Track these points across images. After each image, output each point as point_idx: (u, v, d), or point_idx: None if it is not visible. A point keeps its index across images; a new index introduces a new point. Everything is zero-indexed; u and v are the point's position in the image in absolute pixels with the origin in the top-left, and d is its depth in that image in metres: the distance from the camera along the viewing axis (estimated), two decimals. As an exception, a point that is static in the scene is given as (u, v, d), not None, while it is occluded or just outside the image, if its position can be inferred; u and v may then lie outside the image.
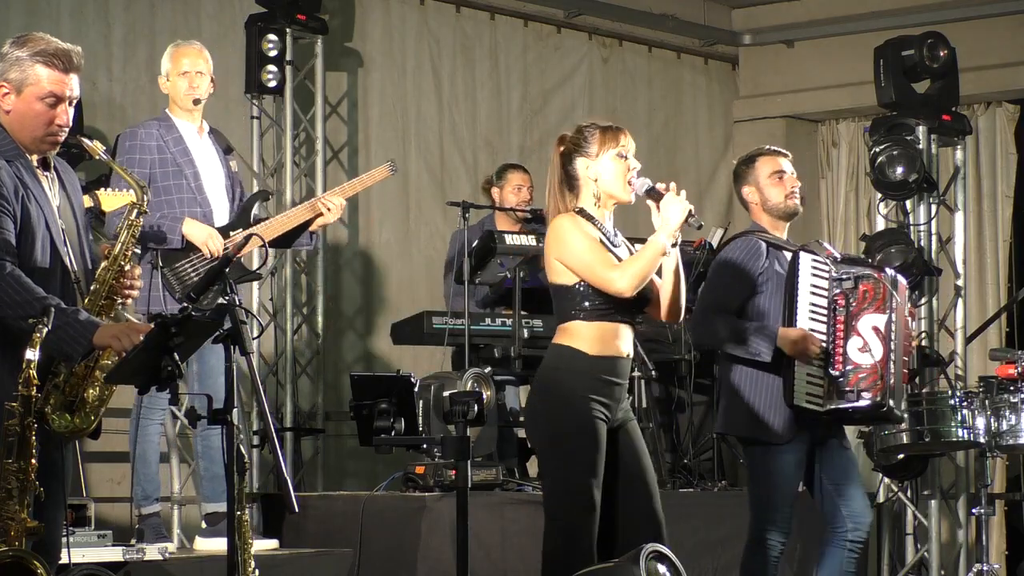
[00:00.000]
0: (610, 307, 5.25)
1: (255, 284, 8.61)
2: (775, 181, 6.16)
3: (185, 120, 6.89)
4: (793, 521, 6.06)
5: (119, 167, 4.76)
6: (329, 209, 7.00)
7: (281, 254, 8.88)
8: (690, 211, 5.28)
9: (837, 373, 5.96)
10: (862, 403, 5.98)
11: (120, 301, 4.51)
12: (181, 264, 6.71)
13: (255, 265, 7.41)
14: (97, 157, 4.67)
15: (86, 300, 4.47)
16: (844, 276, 6.02)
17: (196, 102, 6.88)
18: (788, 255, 6.06)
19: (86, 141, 4.69)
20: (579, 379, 5.23)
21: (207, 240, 6.70)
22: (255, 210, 6.99)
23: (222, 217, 6.90)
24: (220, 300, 6.75)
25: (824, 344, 5.94)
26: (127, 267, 4.52)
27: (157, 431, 6.89)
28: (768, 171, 6.18)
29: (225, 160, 7.03)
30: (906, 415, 7.36)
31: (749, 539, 6.09)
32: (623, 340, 5.31)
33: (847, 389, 5.97)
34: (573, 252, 5.24)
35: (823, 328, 5.98)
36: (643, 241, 5.38)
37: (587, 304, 5.24)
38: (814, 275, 6.02)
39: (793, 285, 5.99)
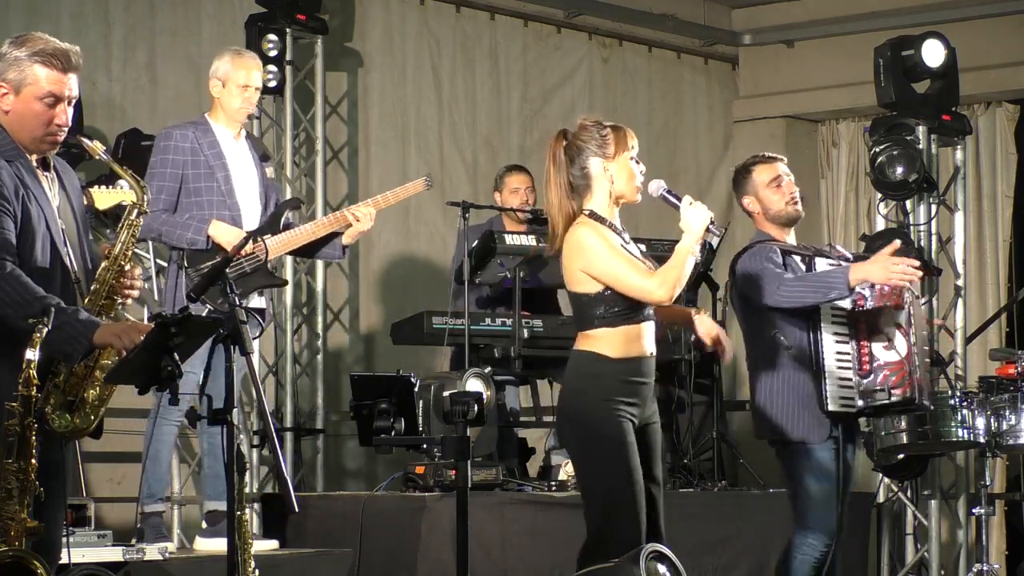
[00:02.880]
0: (633, 310, 5.27)
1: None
2: (774, 188, 6.16)
3: (223, 125, 6.90)
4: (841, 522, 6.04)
5: (118, 167, 4.76)
6: (358, 219, 6.98)
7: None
8: (711, 219, 5.32)
9: (865, 373, 5.96)
10: (894, 400, 5.99)
11: (120, 301, 4.51)
12: (206, 265, 6.71)
13: (286, 274, 7.42)
14: (97, 157, 4.67)
15: (86, 300, 4.47)
16: None
17: (250, 117, 6.92)
18: (798, 259, 6.06)
19: (86, 141, 4.69)
20: (604, 383, 5.24)
21: (233, 243, 6.70)
22: (286, 217, 7.00)
23: (252, 222, 6.91)
24: (256, 301, 6.82)
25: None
26: (127, 267, 4.52)
27: (173, 432, 6.89)
28: (766, 179, 6.16)
29: (260, 166, 7.04)
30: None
31: (795, 542, 6.03)
32: (646, 339, 5.32)
33: (877, 388, 5.97)
34: (602, 263, 5.24)
35: (845, 331, 5.99)
36: (642, 241, 5.40)
37: (612, 311, 5.26)
38: None
39: None
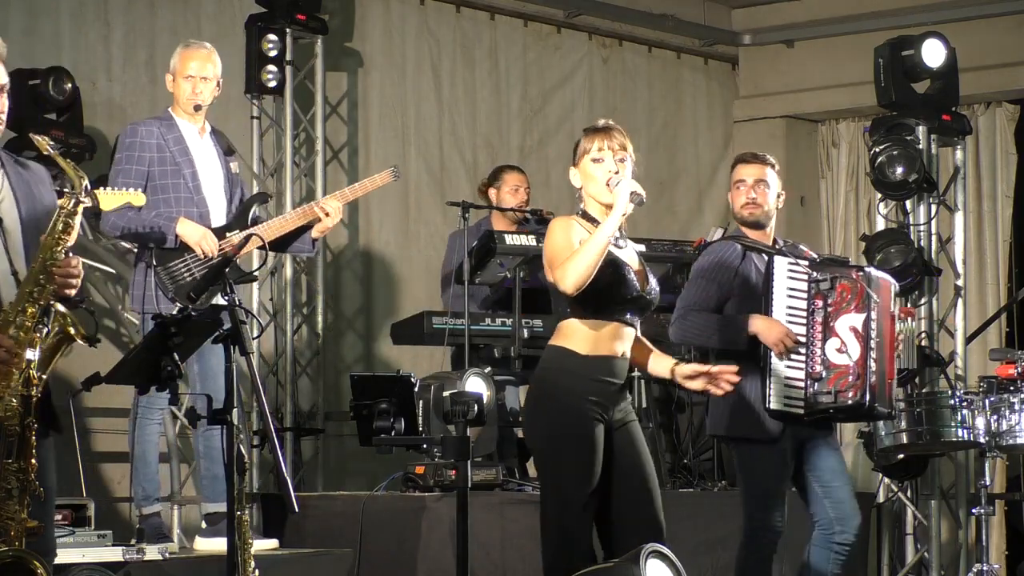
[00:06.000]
0: (602, 304, 5.23)
1: (255, 284, 8.61)
2: (735, 189, 6.23)
3: (186, 120, 6.86)
4: (785, 520, 6.08)
5: (62, 160, 4.66)
6: (327, 214, 6.95)
7: (281, 254, 8.88)
8: (633, 191, 5.17)
9: (816, 375, 5.97)
10: (841, 403, 5.99)
11: (52, 288, 4.43)
12: (175, 264, 6.69)
13: (254, 266, 7.40)
14: (45, 152, 4.63)
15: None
16: (821, 277, 6.03)
17: (197, 108, 6.84)
18: (755, 257, 6.08)
19: (36, 137, 4.65)
20: (572, 379, 5.21)
21: (201, 240, 6.67)
22: (253, 212, 6.97)
23: (219, 218, 6.86)
24: (220, 300, 6.79)
25: (799, 338, 5.97)
26: (60, 256, 4.46)
27: (156, 431, 6.87)
28: (735, 178, 6.25)
29: (225, 161, 6.99)
30: (900, 410, 7.40)
31: (743, 538, 6.10)
32: (619, 340, 5.29)
33: (826, 390, 5.98)
34: (549, 249, 5.24)
35: (802, 331, 6.00)
36: (642, 241, 5.38)
37: (580, 301, 5.21)
38: (790, 278, 6.04)
39: (768, 288, 6.02)
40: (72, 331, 4.37)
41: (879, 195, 9.10)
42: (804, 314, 6.02)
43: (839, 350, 5.98)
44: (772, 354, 6.00)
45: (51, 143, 4.61)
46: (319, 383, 9.21)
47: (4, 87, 4.50)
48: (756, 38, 11.40)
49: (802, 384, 5.98)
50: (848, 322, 5.99)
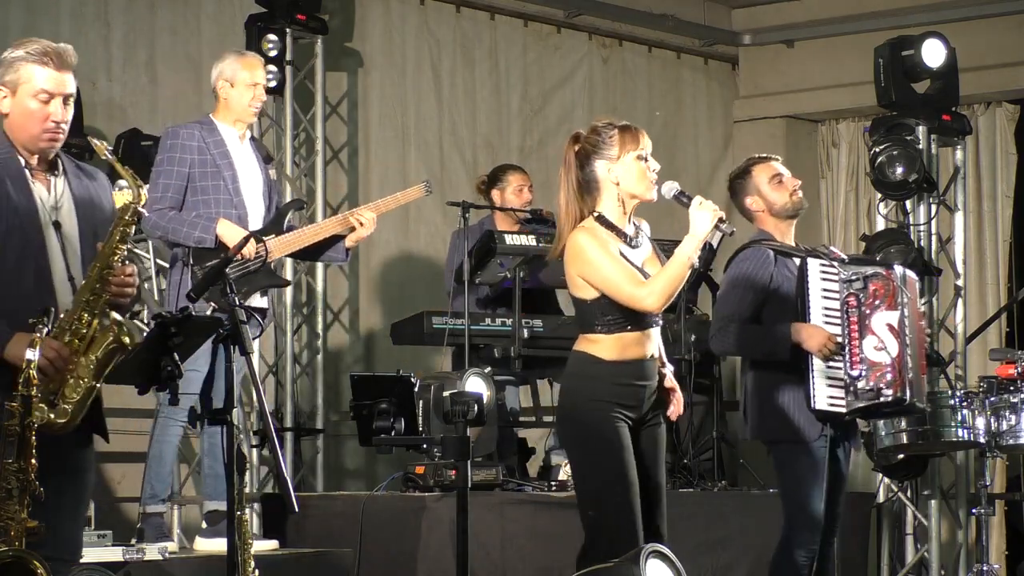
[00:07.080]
0: (633, 316, 5.25)
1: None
2: (776, 185, 6.19)
3: (228, 125, 6.91)
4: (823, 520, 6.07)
5: (120, 166, 4.72)
6: (362, 223, 7.00)
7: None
8: (720, 217, 5.26)
9: (856, 373, 5.98)
10: (883, 400, 6.00)
11: (106, 297, 4.44)
12: (211, 264, 6.70)
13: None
14: (104, 157, 4.65)
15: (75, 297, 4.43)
16: (854, 277, 6.04)
17: (257, 114, 6.96)
18: (796, 261, 6.08)
19: (95, 141, 4.67)
20: (597, 385, 5.23)
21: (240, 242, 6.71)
22: (289, 218, 7.02)
23: (257, 221, 6.92)
24: (258, 301, 6.82)
25: (839, 340, 5.98)
26: (117, 265, 4.47)
27: (178, 432, 6.88)
28: (767, 177, 6.20)
29: (264, 168, 7.06)
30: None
31: (782, 538, 6.08)
32: (646, 344, 5.30)
33: (868, 388, 5.98)
34: (596, 270, 5.22)
35: (837, 331, 6.01)
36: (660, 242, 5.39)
37: (609, 318, 5.24)
38: (823, 279, 6.04)
39: (804, 291, 6.02)
40: (127, 340, 4.37)
41: (879, 195, 9.11)
42: (839, 314, 6.03)
43: (877, 348, 5.99)
44: (814, 355, 6.01)
45: (109, 148, 4.63)
46: (319, 383, 9.20)
47: (71, 96, 4.53)
48: (756, 38, 11.40)
49: (844, 383, 5.99)
50: (883, 320, 6.01)
